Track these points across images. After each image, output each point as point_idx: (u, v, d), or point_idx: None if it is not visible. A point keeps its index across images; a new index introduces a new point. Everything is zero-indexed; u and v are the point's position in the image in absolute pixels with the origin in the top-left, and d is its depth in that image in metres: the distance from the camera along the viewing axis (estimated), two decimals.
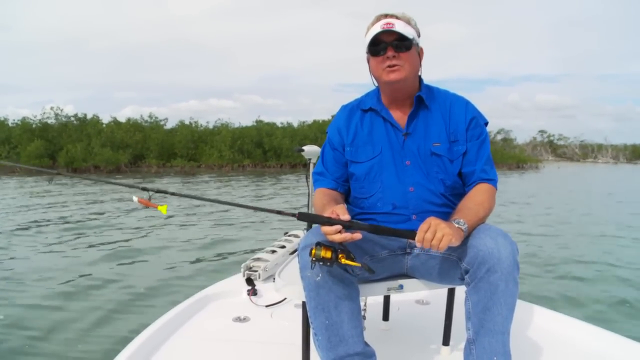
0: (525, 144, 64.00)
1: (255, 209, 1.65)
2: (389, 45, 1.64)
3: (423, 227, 1.43)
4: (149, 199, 1.62)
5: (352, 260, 1.44)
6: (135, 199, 1.62)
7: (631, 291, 5.18)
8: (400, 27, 1.62)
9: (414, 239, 1.45)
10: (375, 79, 1.75)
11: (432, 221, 1.43)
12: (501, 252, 1.43)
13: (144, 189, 1.65)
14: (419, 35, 1.71)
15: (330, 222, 1.45)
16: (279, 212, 1.60)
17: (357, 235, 1.44)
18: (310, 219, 1.50)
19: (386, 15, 1.67)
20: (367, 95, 1.84)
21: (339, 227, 1.43)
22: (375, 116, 1.78)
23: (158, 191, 1.67)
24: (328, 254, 1.42)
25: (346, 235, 1.43)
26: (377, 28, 1.64)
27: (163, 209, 1.62)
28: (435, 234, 1.40)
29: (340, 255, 1.43)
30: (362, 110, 1.81)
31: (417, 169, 1.70)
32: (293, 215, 1.53)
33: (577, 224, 10.08)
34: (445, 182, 1.71)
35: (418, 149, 1.71)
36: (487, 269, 1.44)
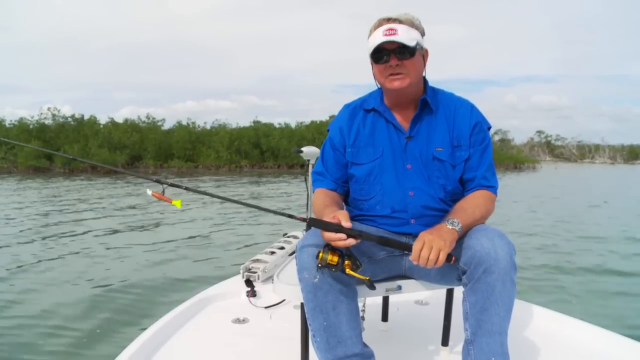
0: (523, 145, 63.91)
1: (267, 210, 1.63)
2: (391, 53, 1.59)
3: (417, 246, 1.42)
4: (163, 192, 1.64)
5: (358, 267, 1.45)
6: (149, 192, 1.64)
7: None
8: (402, 33, 1.56)
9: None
10: (379, 84, 1.72)
11: (425, 237, 1.43)
12: (498, 252, 1.44)
13: (158, 182, 1.68)
14: (423, 35, 1.65)
15: (340, 230, 1.43)
16: (290, 216, 1.60)
17: (357, 240, 1.45)
18: (320, 226, 1.47)
19: (388, 20, 1.60)
20: (371, 95, 1.81)
21: (343, 235, 1.43)
22: (378, 117, 1.75)
23: (172, 184, 1.68)
24: (335, 259, 1.44)
25: (350, 241, 1.43)
26: (379, 35, 1.58)
27: (177, 204, 1.64)
28: (431, 250, 1.40)
29: (346, 263, 1.44)
30: (365, 110, 1.78)
31: (418, 173, 1.68)
32: (304, 220, 1.51)
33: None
34: (446, 187, 1.69)
35: (420, 153, 1.69)
36: (484, 270, 1.45)
